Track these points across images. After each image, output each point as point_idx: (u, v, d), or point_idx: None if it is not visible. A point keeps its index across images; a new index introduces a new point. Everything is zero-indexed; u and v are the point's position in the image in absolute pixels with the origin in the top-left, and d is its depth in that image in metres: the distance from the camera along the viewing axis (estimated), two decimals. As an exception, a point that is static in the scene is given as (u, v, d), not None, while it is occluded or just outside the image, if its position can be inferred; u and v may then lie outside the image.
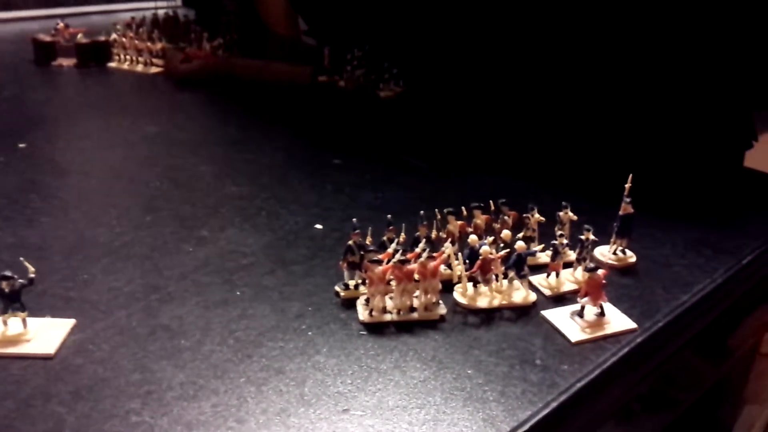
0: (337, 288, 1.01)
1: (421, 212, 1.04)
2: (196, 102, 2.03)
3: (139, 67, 2.28)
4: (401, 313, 0.95)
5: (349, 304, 0.99)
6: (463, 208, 1.07)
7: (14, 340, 0.88)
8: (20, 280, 0.88)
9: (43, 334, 0.89)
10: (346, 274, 1.01)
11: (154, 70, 2.27)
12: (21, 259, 0.92)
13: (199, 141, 1.68)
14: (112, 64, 2.32)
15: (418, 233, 1.01)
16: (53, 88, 2.14)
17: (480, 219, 1.05)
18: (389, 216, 1.04)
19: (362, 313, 0.95)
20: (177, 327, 0.93)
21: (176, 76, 2.17)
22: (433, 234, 1.04)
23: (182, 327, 0.93)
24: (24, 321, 0.89)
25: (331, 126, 1.85)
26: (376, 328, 0.94)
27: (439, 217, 1.07)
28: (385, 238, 1.01)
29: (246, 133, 1.76)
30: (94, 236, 1.18)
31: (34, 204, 1.28)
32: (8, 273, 0.87)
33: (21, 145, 1.56)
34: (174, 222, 1.24)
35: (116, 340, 0.90)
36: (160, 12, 2.67)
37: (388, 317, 0.94)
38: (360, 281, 1.00)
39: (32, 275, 0.89)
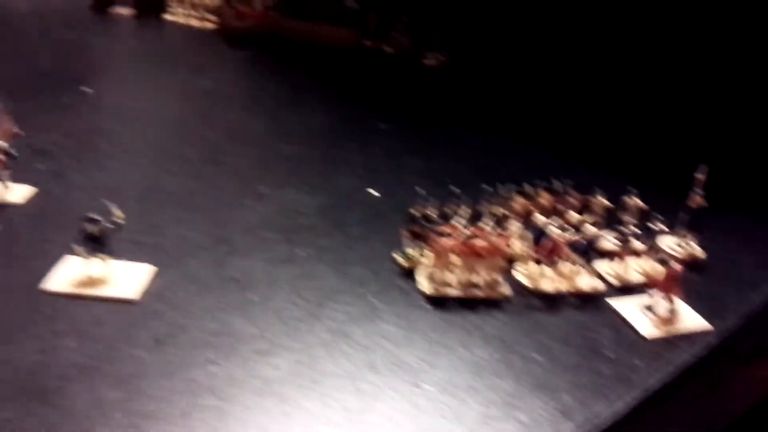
0: (396, 256, 0.96)
1: (484, 186, 0.99)
2: (247, 60, 1.95)
3: (194, 22, 2.20)
4: (465, 289, 0.89)
5: (409, 273, 0.95)
6: (527, 185, 1.01)
7: (98, 282, 0.84)
8: (107, 224, 0.84)
9: (125, 278, 0.85)
10: (407, 243, 0.96)
11: (208, 25, 2.19)
12: (107, 203, 0.86)
13: (252, 98, 1.62)
14: (168, 17, 2.24)
15: (481, 208, 0.96)
16: (112, 36, 2.06)
17: (545, 199, 0.99)
18: (452, 187, 0.98)
19: (425, 286, 0.90)
20: (245, 280, 0.89)
21: (229, 33, 2.10)
22: (496, 210, 0.99)
23: (250, 280, 0.89)
24: (107, 264, 0.85)
25: (377, 91, 1.78)
26: (439, 302, 0.88)
27: (501, 192, 1.01)
28: (447, 210, 0.97)
29: (296, 93, 1.69)
30: (160, 184, 1.13)
31: (102, 147, 1.23)
32: (95, 216, 0.83)
33: (85, 89, 1.51)
34: (233, 176, 1.19)
35: (190, 288, 0.86)
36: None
37: (451, 292, 0.89)
38: (421, 252, 0.95)
39: (120, 220, 0.85)
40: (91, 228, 0.83)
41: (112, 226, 0.84)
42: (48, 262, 0.88)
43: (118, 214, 0.85)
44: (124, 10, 2.23)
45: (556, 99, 1.63)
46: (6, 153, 1.01)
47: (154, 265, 0.90)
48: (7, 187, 1.04)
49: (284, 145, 1.35)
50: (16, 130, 1.01)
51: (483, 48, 1.92)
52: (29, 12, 2.20)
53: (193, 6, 2.21)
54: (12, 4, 2.23)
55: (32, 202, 1.04)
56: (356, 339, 0.80)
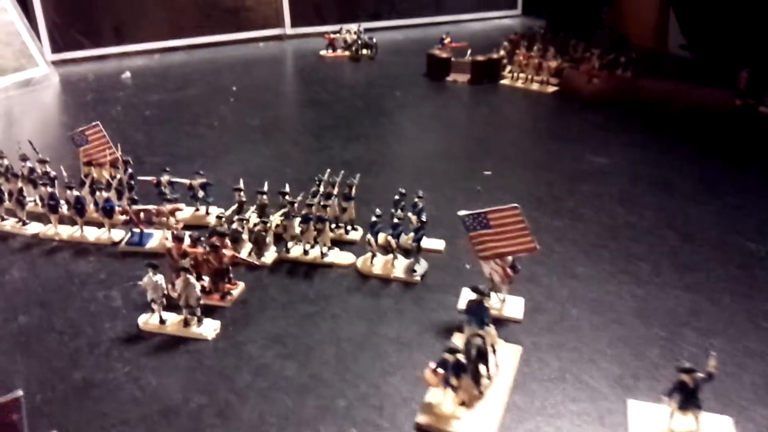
0: None
1: None
2: (618, 128, 1.77)
3: (535, 86, 2.11)
4: None
5: None
6: None
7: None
8: (701, 375, 0.72)
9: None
10: None
11: (549, 89, 2.09)
12: (712, 355, 0.74)
13: (665, 178, 1.43)
14: (504, 81, 2.18)
15: None
16: (466, 106, 2.05)
17: None
18: None
19: None
20: None
21: (581, 97, 1.97)
22: None
23: None
24: (698, 419, 0.73)
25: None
26: None
27: None
28: None
29: (701, 168, 1.48)
30: (645, 303, 1.00)
31: (558, 249, 1.15)
32: (690, 365, 0.72)
33: (487, 173, 1.46)
34: (722, 291, 1.02)
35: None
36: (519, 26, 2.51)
37: None
38: None
39: (715, 370, 0.72)
40: (685, 378, 0.71)
41: (705, 377, 0.71)
42: (610, 403, 0.80)
43: (713, 364, 0.71)
44: (460, 77, 2.23)
45: None
46: (512, 267, 0.95)
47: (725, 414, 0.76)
48: (503, 300, 0.97)
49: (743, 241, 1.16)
50: (536, 245, 0.93)
51: None
52: (365, 82, 2.28)
53: (536, 69, 2.12)
54: (359, 76, 2.34)
55: (527, 316, 0.96)
56: None
